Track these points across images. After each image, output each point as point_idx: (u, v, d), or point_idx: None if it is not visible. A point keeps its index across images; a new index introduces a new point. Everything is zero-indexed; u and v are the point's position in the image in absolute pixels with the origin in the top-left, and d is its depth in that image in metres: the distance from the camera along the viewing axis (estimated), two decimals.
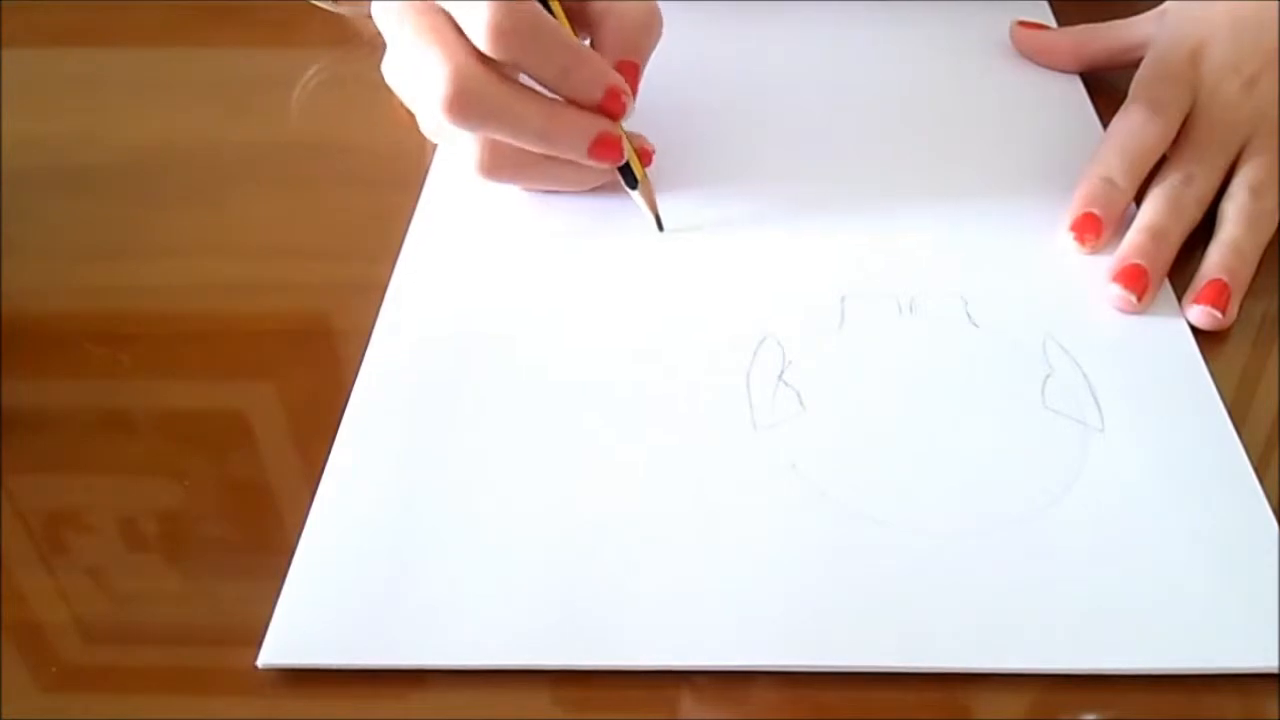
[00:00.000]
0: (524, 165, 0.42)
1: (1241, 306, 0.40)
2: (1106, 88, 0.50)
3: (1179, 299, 0.40)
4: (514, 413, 0.36)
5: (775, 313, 0.40)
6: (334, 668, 0.30)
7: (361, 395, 0.37)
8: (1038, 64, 0.52)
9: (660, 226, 0.43)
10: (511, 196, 0.45)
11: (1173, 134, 0.44)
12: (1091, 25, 0.51)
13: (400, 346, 0.39)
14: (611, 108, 0.40)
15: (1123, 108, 0.45)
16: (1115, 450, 0.35)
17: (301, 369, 0.39)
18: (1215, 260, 0.41)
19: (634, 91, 0.41)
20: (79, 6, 0.58)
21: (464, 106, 0.38)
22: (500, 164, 0.41)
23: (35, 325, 0.41)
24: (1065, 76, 0.51)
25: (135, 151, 0.48)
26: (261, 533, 0.34)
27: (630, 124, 0.42)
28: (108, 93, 0.53)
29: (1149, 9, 0.49)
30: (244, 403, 0.38)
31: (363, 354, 0.38)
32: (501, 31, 0.37)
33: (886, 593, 0.31)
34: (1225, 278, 0.40)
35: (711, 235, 0.43)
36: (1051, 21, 0.54)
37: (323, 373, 0.39)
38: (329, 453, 0.35)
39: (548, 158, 0.41)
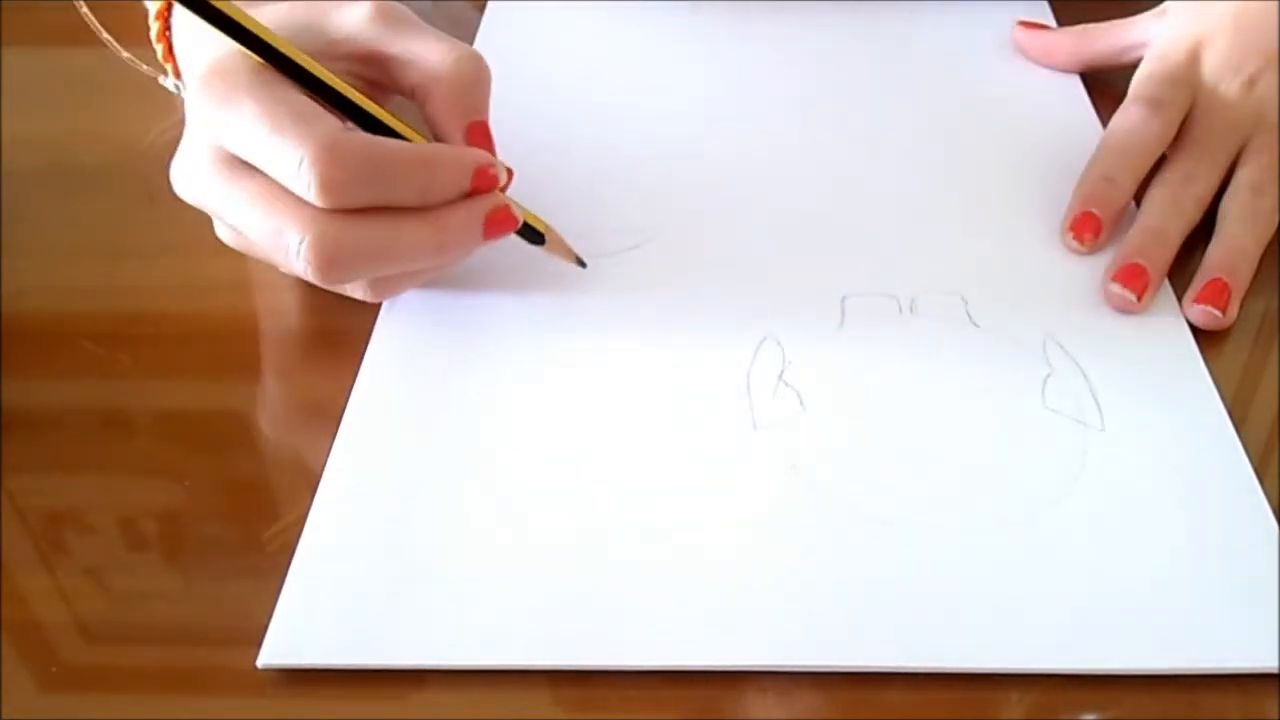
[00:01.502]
0: (422, 274, 0.39)
1: (1242, 306, 0.40)
2: (1106, 88, 0.50)
3: (1179, 299, 0.40)
4: (513, 412, 0.36)
5: (775, 313, 0.40)
6: (334, 668, 0.30)
7: (361, 395, 0.37)
8: (1038, 64, 0.52)
9: (583, 265, 0.41)
10: (511, 194, 0.45)
11: (1172, 133, 0.44)
12: (1091, 25, 0.51)
13: (400, 346, 0.39)
14: (484, 186, 0.36)
15: (1122, 107, 0.45)
16: (1115, 450, 0.35)
17: (301, 369, 0.39)
18: (1215, 259, 0.40)
19: (492, 146, 0.38)
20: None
21: (341, 269, 0.35)
22: (395, 288, 0.39)
23: (35, 325, 0.41)
24: (1065, 76, 0.51)
25: (135, 151, 0.48)
26: (262, 533, 0.34)
27: (626, 131, 0.41)
28: (108, 93, 0.53)
29: (1149, 9, 0.49)
30: (244, 403, 0.38)
31: (363, 354, 0.38)
32: (335, 185, 0.33)
33: (886, 593, 0.31)
34: (1225, 277, 0.40)
35: (712, 235, 0.43)
36: (1051, 21, 0.54)
37: (323, 373, 0.39)
38: (329, 453, 0.35)
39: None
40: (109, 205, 0.46)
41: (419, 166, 0.35)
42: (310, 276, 0.35)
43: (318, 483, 0.34)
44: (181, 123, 0.38)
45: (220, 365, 0.39)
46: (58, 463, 0.36)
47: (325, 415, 0.36)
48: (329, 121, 0.34)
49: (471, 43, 0.53)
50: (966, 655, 0.30)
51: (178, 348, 0.40)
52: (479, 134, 0.38)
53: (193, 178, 0.37)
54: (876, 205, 0.44)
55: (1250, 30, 0.46)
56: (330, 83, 0.36)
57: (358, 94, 0.36)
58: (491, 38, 0.54)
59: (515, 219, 0.37)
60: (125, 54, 0.47)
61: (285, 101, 0.34)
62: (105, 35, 0.45)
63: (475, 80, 0.38)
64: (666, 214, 0.44)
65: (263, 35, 0.35)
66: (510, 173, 0.39)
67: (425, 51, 0.38)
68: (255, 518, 0.34)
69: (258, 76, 0.35)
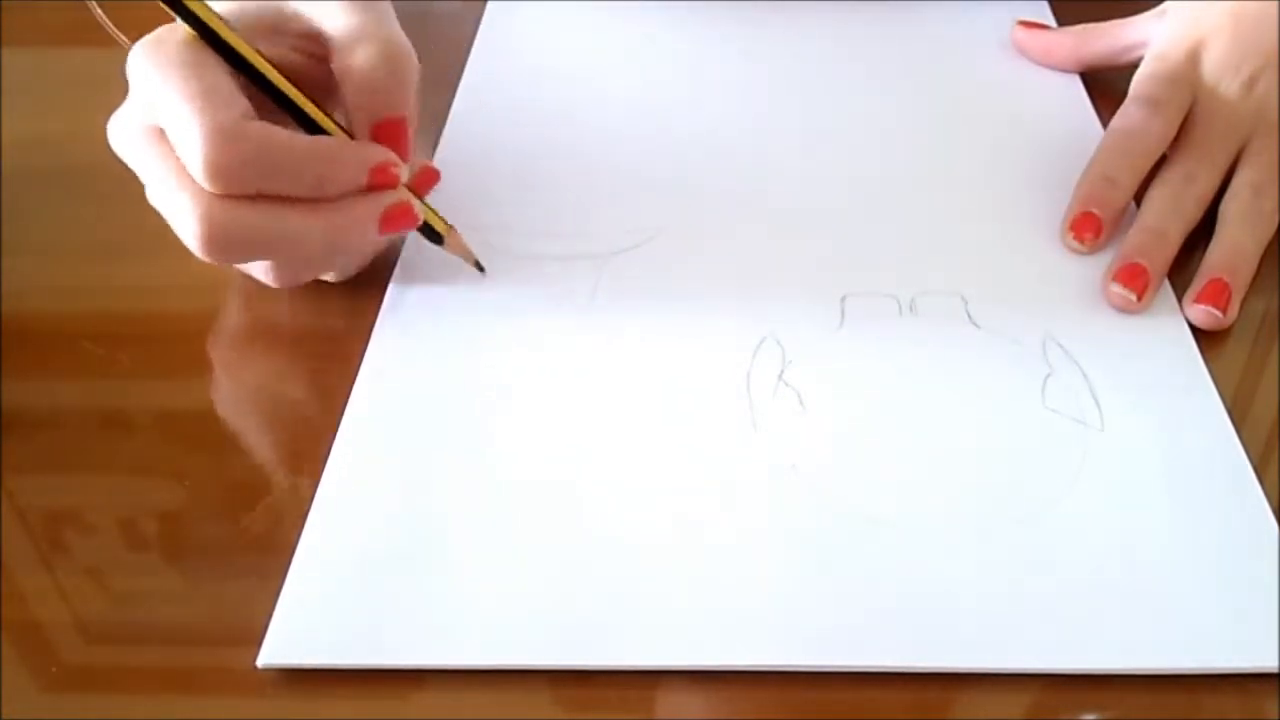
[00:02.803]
0: (321, 264, 0.39)
1: (1242, 306, 0.40)
2: (1106, 88, 0.50)
3: (1179, 299, 0.40)
4: (512, 412, 0.36)
5: (775, 313, 0.40)
6: (334, 668, 0.30)
7: (361, 395, 0.37)
8: (1038, 64, 0.52)
9: (481, 269, 0.41)
10: (512, 195, 0.45)
11: (1172, 133, 0.44)
12: (1091, 25, 0.51)
13: (399, 345, 0.39)
14: (382, 183, 0.36)
15: (1122, 107, 0.45)
16: (1115, 450, 0.35)
17: (302, 369, 0.39)
18: (1216, 259, 0.40)
19: (406, 143, 0.37)
20: (79, 6, 0.58)
21: (225, 250, 0.35)
22: (295, 275, 0.39)
23: (35, 325, 0.41)
24: (1065, 76, 0.51)
25: None
26: (261, 533, 0.34)
27: (626, 131, 0.41)
28: (108, 93, 0.52)
29: (1149, 9, 0.49)
30: (244, 403, 0.38)
31: (362, 354, 0.38)
32: (221, 170, 0.33)
33: (886, 593, 0.31)
34: (1226, 277, 0.40)
35: (711, 235, 0.43)
36: (1051, 21, 0.54)
37: (323, 372, 0.39)
38: (329, 452, 0.35)
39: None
40: (109, 205, 0.46)
41: (313, 160, 0.35)
42: (198, 253, 0.35)
43: (318, 483, 0.34)
44: None
45: (220, 365, 0.39)
46: (58, 463, 0.36)
47: (325, 415, 0.36)
48: (235, 106, 0.34)
49: (471, 42, 0.53)
50: (966, 655, 0.30)
51: (178, 348, 0.40)
52: (389, 130, 0.37)
53: (119, 139, 0.38)
54: (876, 205, 0.44)
55: (1250, 30, 0.46)
56: (256, 64, 0.35)
57: (282, 79, 0.36)
58: (491, 37, 0.54)
59: (415, 216, 0.38)
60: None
61: (202, 80, 0.34)
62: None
63: (394, 75, 0.37)
64: (666, 213, 0.44)
65: (192, 7, 0.35)
66: (434, 173, 0.39)
67: (352, 37, 0.37)
68: (255, 518, 0.34)
69: (187, 51, 0.35)
